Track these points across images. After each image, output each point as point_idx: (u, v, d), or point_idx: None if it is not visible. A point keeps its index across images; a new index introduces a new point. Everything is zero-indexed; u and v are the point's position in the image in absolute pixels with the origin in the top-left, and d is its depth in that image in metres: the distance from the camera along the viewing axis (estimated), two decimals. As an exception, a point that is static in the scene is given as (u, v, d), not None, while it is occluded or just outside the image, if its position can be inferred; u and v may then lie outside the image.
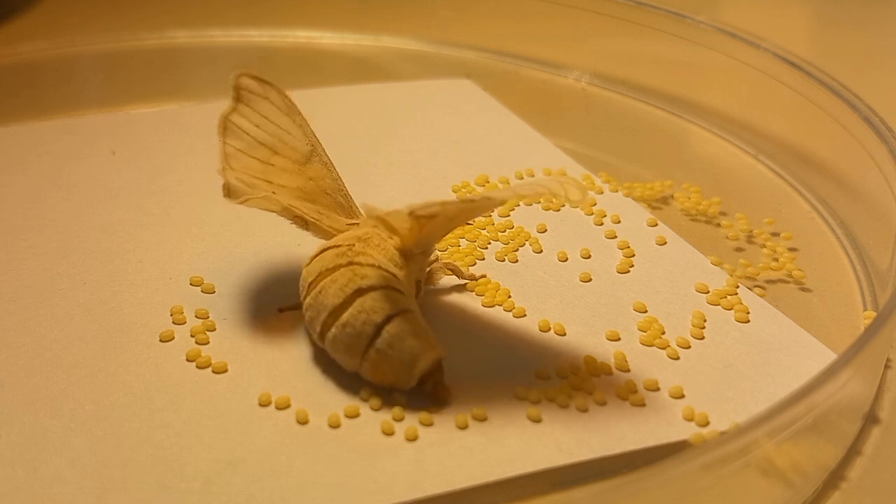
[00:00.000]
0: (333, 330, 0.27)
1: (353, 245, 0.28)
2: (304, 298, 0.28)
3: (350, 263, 0.27)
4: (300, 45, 0.52)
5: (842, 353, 0.25)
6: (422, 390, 0.27)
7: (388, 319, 0.26)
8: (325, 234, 0.30)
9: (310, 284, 0.28)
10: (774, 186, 0.40)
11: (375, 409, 0.27)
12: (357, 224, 0.30)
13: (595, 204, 0.36)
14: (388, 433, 0.26)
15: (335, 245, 0.28)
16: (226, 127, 0.30)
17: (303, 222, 0.30)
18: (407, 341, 0.26)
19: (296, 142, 0.31)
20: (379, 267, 0.27)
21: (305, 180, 0.30)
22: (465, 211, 0.29)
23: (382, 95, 0.45)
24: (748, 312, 0.31)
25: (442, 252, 0.33)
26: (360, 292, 0.27)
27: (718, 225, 0.36)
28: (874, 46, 0.54)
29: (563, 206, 0.36)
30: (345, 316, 0.27)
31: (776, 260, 0.34)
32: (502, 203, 0.28)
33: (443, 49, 0.51)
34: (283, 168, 0.30)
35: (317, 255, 0.28)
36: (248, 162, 0.30)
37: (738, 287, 0.32)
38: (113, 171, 0.38)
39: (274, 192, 0.29)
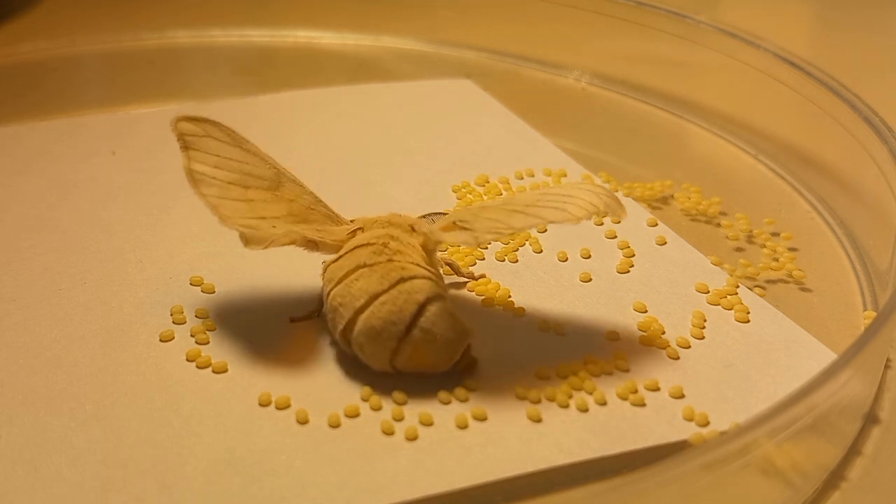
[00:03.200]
0: (371, 309, 0.27)
1: (388, 244, 0.28)
2: (332, 289, 0.28)
3: (389, 261, 0.27)
4: (300, 45, 0.52)
5: (842, 353, 0.25)
6: (451, 371, 0.27)
7: (429, 300, 0.27)
8: (332, 249, 0.29)
9: (343, 275, 0.27)
10: (774, 186, 0.40)
11: (375, 409, 0.27)
12: (361, 228, 0.30)
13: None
14: (388, 433, 0.26)
15: (367, 243, 0.28)
16: (194, 179, 0.29)
17: (313, 245, 0.29)
18: (449, 321, 0.27)
19: (258, 169, 0.30)
20: (418, 265, 0.28)
21: (288, 204, 0.30)
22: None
23: (382, 95, 0.45)
24: (748, 312, 0.31)
25: (442, 252, 0.33)
26: (402, 280, 0.27)
27: (718, 225, 0.36)
28: (874, 46, 0.54)
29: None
30: (384, 296, 0.27)
31: (776, 260, 0.34)
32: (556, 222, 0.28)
33: (443, 49, 0.51)
34: (263, 200, 0.30)
35: (344, 255, 0.28)
36: (234, 206, 0.29)
37: (738, 287, 0.32)
38: (113, 171, 0.38)
39: (274, 226, 0.29)
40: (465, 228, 0.28)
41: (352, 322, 0.27)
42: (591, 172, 0.38)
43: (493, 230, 0.28)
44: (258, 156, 0.31)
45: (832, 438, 0.27)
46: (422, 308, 0.27)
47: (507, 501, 0.25)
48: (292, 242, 0.29)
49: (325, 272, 0.28)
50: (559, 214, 0.27)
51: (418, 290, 0.27)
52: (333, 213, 0.31)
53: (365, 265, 0.27)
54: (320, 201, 0.31)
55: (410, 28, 0.51)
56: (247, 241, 0.28)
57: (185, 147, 0.30)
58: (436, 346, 0.27)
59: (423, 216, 0.32)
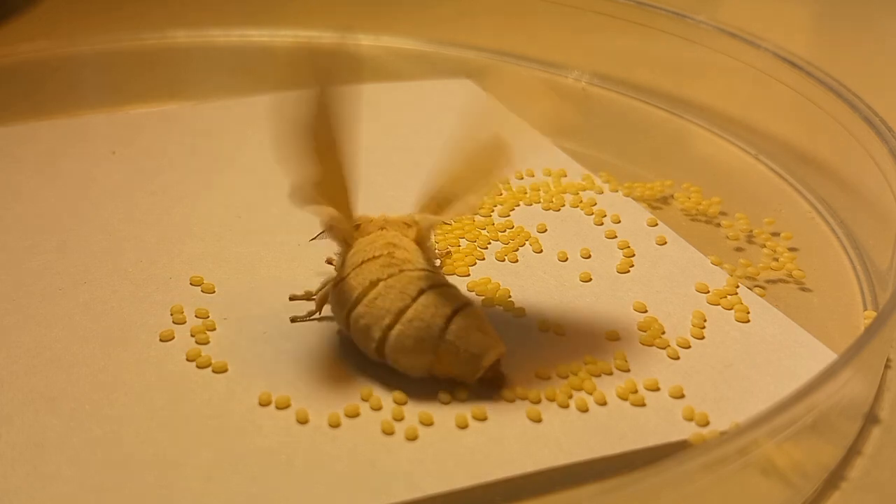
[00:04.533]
0: (399, 327, 0.27)
1: (393, 253, 0.28)
2: (352, 310, 0.28)
3: (402, 272, 0.28)
4: (300, 46, 0.52)
5: (842, 353, 0.26)
6: (480, 381, 0.27)
7: (455, 312, 0.27)
8: (341, 237, 0.29)
9: (359, 295, 0.27)
10: (774, 186, 0.40)
11: (375, 409, 0.27)
12: (358, 225, 0.30)
13: (595, 204, 0.36)
14: (388, 433, 0.26)
15: (373, 257, 0.28)
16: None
17: (330, 229, 0.29)
18: (474, 335, 0.27)
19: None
20: (425, 270, 0.28)
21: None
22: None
23: (382, 95, 0.45)
24: (748, 312, 0.31)
25: (443, 254, 0.33)
26: (422, 292, 0.27)
27: (718, 225, 0.36)
28: (874, 46, 0.54)
29: (564, 205, 0.36)
30: (410, 312, 0.27)
31: (776, 260, 0.34)
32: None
33: (443, 49, 0.50)
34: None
35: (351, 273, 0.28)
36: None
37: (738, 287, 0.32)
38: (113, 171, 0.38)
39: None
40: (449, 199, 0.28)
41: (383, 339, 0.27)
42: (591, 172, 0.38)
43: (474, 189, 0.28)
44: None
45: (832, 438, 0.27)
46: (448, 321, 0.27)
47: (507, 501, 0.25)
48: (326, 217, 0.28)
49: (333, 291, 0.28)
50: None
51: (444, 302, 0.27)
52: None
53: (379, 280, 0.27)
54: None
55: (410, 28, 0.51)
56: (294, 196, 0.27)
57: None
58: (460, 359, 0.27)
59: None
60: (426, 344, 0.27)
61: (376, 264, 0.28)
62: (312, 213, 0.28)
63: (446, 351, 0.27)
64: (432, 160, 0.39)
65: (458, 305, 0.27)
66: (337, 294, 0.28)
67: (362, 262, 0.28)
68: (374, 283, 0.27)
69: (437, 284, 0.27)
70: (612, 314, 0.30)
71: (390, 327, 0.27)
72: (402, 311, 0.27)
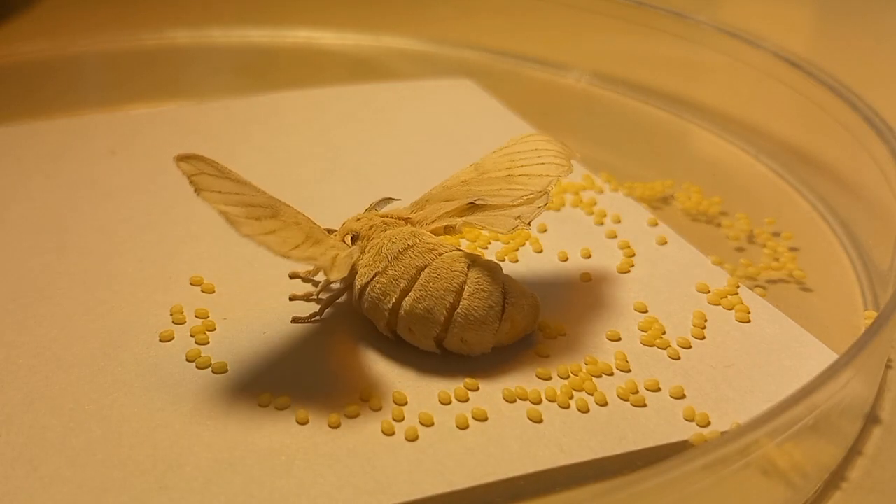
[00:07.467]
0: (464, 302, 0.27)
1: (423, 240, 0.28)
2: (401, 299, 0.28)
3: (440, 254, 0.28)
4: (300, 45, 0.52)
5: (843, 353, 0.25)
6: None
7: (505, 276, 0.28)
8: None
9: (406, 285, 0.28)
10: (775, 186, 0.40)
11: (375, 410, 0.27)
12: (356, 235, 0.29)
13: (595, 204, 0.36)
14: (388, 433, 0.26)
15: (407, 246, 0.28)
16: (230, 220, 0.26)
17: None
18: (521, 287, 0.28)
19: (255, 198, 0.28)
20: (456, 248, 0.29)
21: (297, 227, 0.28)
22: None
23: (382, 95, 0.45)
24: (749, 312, 0.31)
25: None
26: (470, 266, 0.28)
27: (719, 225, 0.36)
28: (875, 46, 0.54)
29: (564, 205, 0.36)
30: (469, 287, 0.27)
31: (777, 260, 0.34)
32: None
33: (443, 49, 0.51)
34: (279, 228, 0.27)
35: (388, 264, 0.28)
36: (266, 239, 0.26)
37: (738, 287, 0.32)
38: (113, 171, 0.38)
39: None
40: (492, 206, 0.29)
41: (447, 321, 0.27)
42: (591, 172, 0.38)
43: (521, 197, 0.30)
44: (247, 183, 0.28)
45: (833, 439, 0.27)
46: (503, 285, 0.28)
47: (508, 502, 0.25)
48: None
49: (363, 295, 0.28)
50: (553, 169, 0.30)
51: (493, 267, 0.28)
52: (318, 225, 0.30)
53: (425, 265, 0.28)
54: (308, 217, 0.29)
55: (410, 28, 0.51)
56: (329, 271, 0.27)
57: (197, 189, 0.27)
58: (525, 313, 0.28)
59: (377, 202, 0.32)
60: (493, 311, 0.27)
61: (414, 252, 0.28)
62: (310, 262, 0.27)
63: (515, 312, 0.28)
64: (432, 160, 0.39)
65: (501, 268, 0.28)
66: (375, 288, 0.28)
67: (398, 254, 0.28)
68: (420, 269, 0.28)
69: (475, 256, 0.28)
70: (612, 314, 0.30)
71: (454, 306, 0.27)
72: (461, 287, 0.27)
